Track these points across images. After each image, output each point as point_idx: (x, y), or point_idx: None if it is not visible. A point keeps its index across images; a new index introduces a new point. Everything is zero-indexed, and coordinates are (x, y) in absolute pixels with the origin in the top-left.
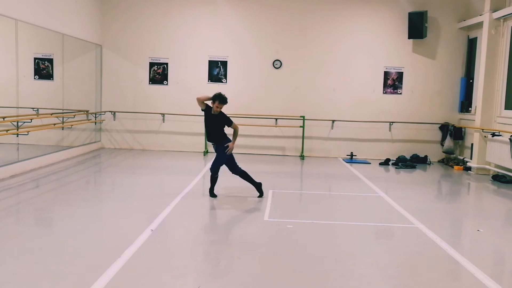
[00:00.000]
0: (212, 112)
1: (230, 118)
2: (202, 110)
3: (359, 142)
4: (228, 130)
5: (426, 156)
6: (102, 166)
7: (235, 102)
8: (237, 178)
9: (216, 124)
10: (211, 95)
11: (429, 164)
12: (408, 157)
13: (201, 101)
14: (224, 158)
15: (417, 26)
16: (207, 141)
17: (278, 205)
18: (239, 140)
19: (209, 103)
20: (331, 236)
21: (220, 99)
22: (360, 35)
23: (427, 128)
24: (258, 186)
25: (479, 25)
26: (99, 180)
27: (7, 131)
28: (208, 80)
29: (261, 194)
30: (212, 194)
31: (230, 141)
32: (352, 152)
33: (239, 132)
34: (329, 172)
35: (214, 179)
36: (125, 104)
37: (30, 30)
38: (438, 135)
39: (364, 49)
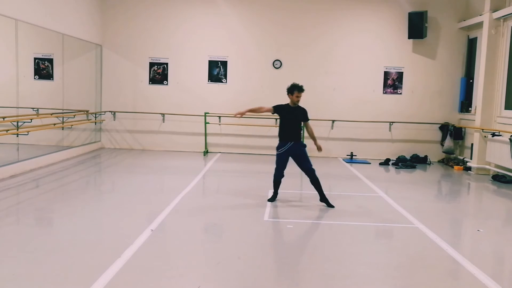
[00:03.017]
0: (292, 105)
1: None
2: (273, 113)
3: (359, 142)
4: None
5: (426, 156)
6: (102, 166)
7: (235, 102)
8: (236, 178)
9: (297, 118)
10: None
11: (429, 164)
12: (408, 157)
13: (261, 111)
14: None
15: (417, 26)
16: (285, 141)
17: (278, 205)
18: (238, 140)
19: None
20: (331, 236)
21: (298, 88)
22: (360, 35)
23: (427, 128)
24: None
25: (479, 25)
26: (99, 180)
27: (7, 131)
28: (208, 80)
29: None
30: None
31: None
32: (352, 152)
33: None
34: (329, 172)
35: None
36: (125, 104)
37: (30, 30)
38: (438, 135)
39: (364, 49)
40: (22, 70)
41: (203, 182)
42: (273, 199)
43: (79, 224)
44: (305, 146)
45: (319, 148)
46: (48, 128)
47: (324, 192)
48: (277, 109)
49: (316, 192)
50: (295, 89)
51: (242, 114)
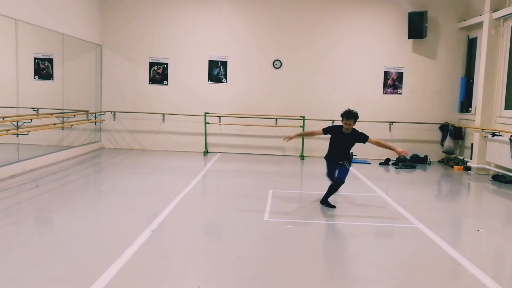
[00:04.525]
0: (344, 131)
1: (365, 133)
2: (325, 134)
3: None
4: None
5: (426, 156)
6: (102, 166)
7: (235, 102)
8: (236, 178)
9: (348, 143)
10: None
11: (429, 164)
12: (408, 157)
13: (313, 135)
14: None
15: (417, 26)
16: (329, 158)
17: (278, 205)
18: (238, 140)
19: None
20: (331, 236)
21: (346, 115)
22: (360, 35)
23: (427, 128)
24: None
25: (479, 25)
26: (99, 180)
27: (7, 131)
28: (208, 80)
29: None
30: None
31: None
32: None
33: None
34: None
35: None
36: (125, 104)
37: (30, 30)
38: (438, 135)
39: (364, 49)
40: (22, 70)
41: (203, 182)
42: (325, 202)
43: (79, 224)
44: (348, 164)
45: (401, 153)
46: (48, 128)
47: (323, 192)
48: (327, 131)
49: (317, 192)
50: (343, 117)
51: (290, 138)
